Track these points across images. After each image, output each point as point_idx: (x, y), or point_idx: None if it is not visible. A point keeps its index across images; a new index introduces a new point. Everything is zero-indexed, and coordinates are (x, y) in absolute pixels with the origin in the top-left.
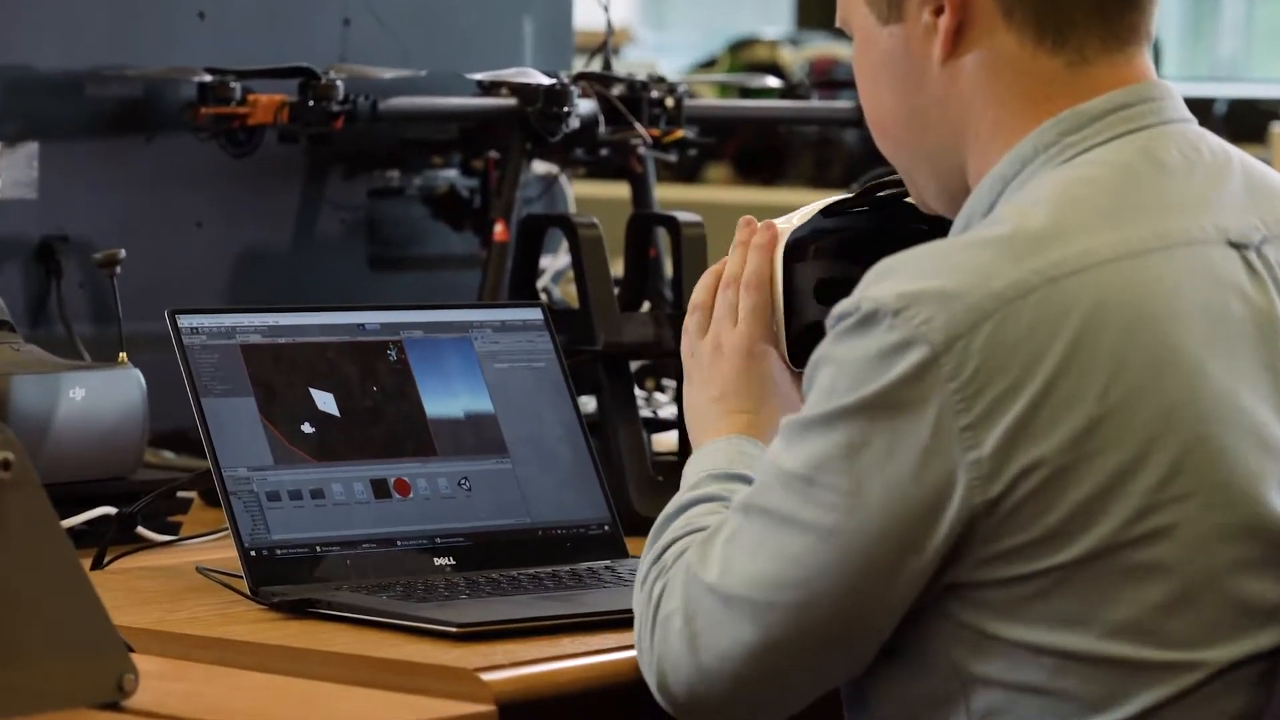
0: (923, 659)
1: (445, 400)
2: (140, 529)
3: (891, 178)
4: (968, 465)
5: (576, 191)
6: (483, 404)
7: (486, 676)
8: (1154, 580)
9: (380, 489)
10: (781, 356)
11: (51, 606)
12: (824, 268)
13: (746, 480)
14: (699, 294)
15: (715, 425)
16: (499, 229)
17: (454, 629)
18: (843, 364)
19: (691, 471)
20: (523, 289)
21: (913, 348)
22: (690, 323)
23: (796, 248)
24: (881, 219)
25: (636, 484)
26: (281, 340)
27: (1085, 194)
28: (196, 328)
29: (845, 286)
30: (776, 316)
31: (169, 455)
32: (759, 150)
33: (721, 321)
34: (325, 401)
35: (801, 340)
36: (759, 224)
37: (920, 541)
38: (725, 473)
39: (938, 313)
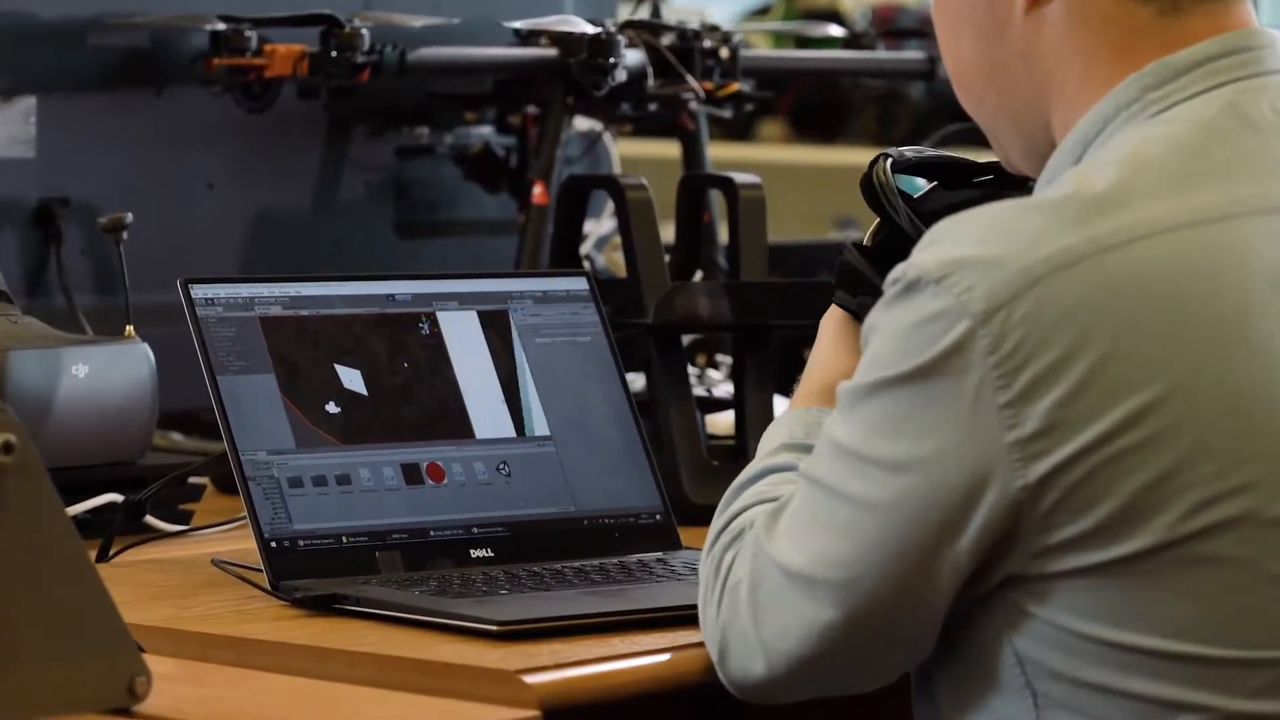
0: (985, 651)
1: (482, 378)
2: (149, 518)
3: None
4: (1007, 446)
5: (621, 150)
6: (523, 382)
7: (530, 679)
8: (1219, 575)
9: (412, 474)
10: None
11: (57, 603)
12: (849, 252)
13: None
14: None
15: (798, 394)
16: (538, 191)
17: (494, 627)
18: (888, 332)
19: (767, 440)
20: (565, 256)
21: (952, 318)
22: None
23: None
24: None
25: (690, 470)
26: (304, 312)
27: (1156, 155)
28: (212, 298)
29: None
30: None
31: (178, 438)
32: (817, 105)
33: None
34: (352, 379)
35: None
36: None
37: (959, 524)
38: (801, 443)
39: (979, 281)
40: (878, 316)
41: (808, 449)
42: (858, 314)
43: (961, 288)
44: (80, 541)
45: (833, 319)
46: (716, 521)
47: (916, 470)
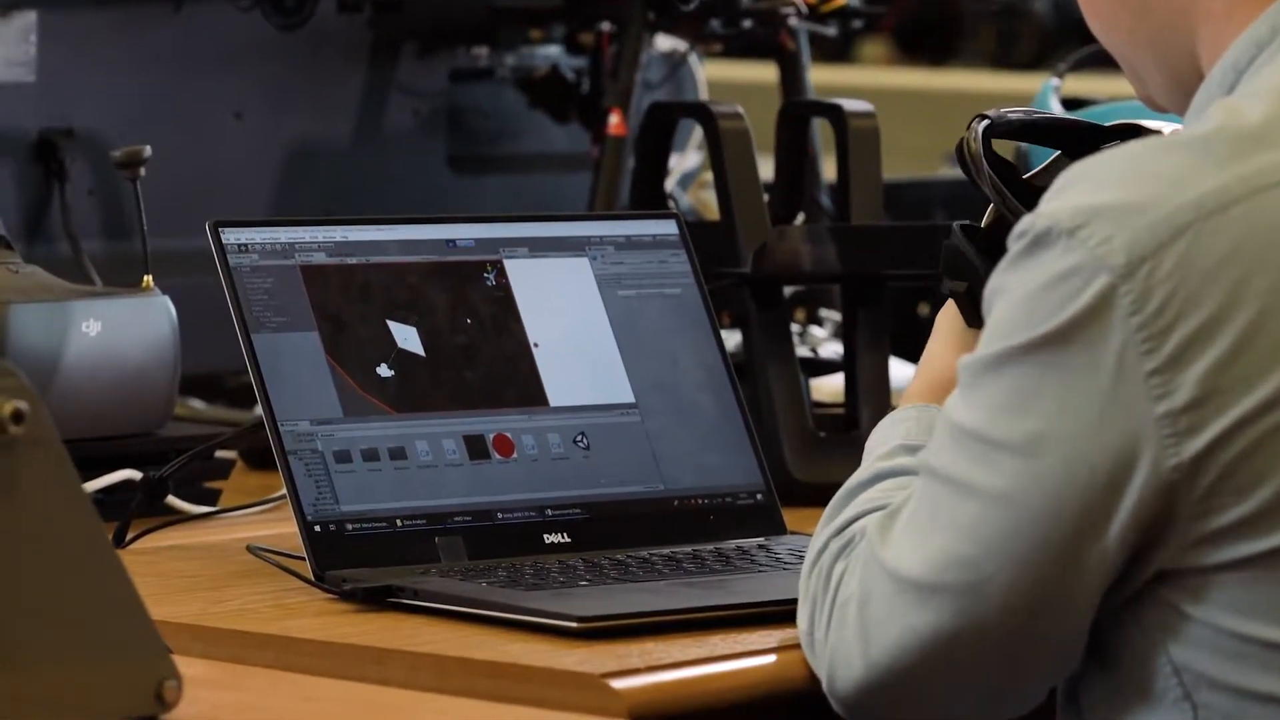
0: (1137, 660)
1: (557, 336)
2: (171, 498)
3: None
4: (1157, 419)
5: (709, 74)
6: (604, 341)
7: (618, 684)
8: None
9: (476, 448)
10: None
11: (75, 596)
12: (955, 235)
13: None
14: None
15: (910, 391)
16: (615, 121)
17: (574, 623)
18: (1014, 294)
19: (880, 439)
20: (648, 196)
21: (1089, 274)
22: None
23: None
24: None
25: (793, 442)
26: (352, 260)
27: None
28: (245, 244)
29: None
30: None
31: (199, 405)
32: (926, 22)
33: None
34: (407, 338)
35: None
36: None
37: (1104, 513)
38: (921, 445)
39: (1118, 230)
40: (1002, 277)
41: None
42: (962, 305)
43: (1099, 239)
44: (101, 525)
45: (947, 310)
46: (822, 532)
47: (1051, 451)
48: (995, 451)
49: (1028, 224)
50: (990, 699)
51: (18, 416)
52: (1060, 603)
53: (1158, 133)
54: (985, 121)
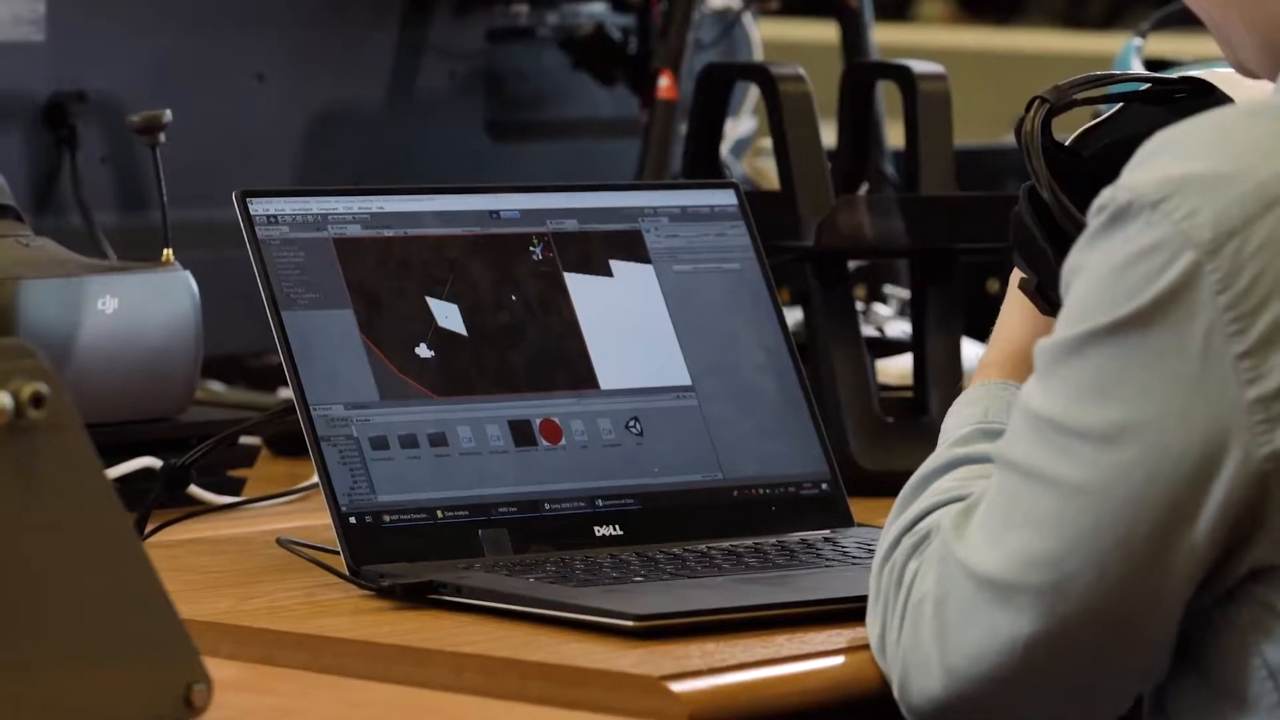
0: (1228, 663)
1: (608, 314)
2: (193, 488)
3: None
4: (1247, 405)
5: (764, 34)
6: (658, 319)
7: (677, 686)
8: None
9: (522, 434)
10: None
11: (98, 593)
12: (1022, 203)
13: None
14: None
15: (982, 365)
16: (665, 83)
17: (630, 622)
18: (1094, 273)
19: (955, 421)
20: (703, 164)
21: (1173, 250)
22: None
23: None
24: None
25: (859, 428)
26: (388, 233)
27: None
28: (275, 215)
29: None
30: None
31: (218, 388)
32: None
33: None
34: (448, 315)
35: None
36: None
37: (1191, 505)
38: (1001, 427)
39: (1205, 203)
40: (1081, 254)
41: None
42: (1031, 290)
43: (1183, 212)
44: (126, 516)
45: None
46: (894, 525)
47: (1135, 439)
48: (1075, 441)
49: (1108, 197)
50: (1073, 706)
51: (37, 400)
52: (1147, 602)
53: (1229, 99)
54: (1045, 106)
